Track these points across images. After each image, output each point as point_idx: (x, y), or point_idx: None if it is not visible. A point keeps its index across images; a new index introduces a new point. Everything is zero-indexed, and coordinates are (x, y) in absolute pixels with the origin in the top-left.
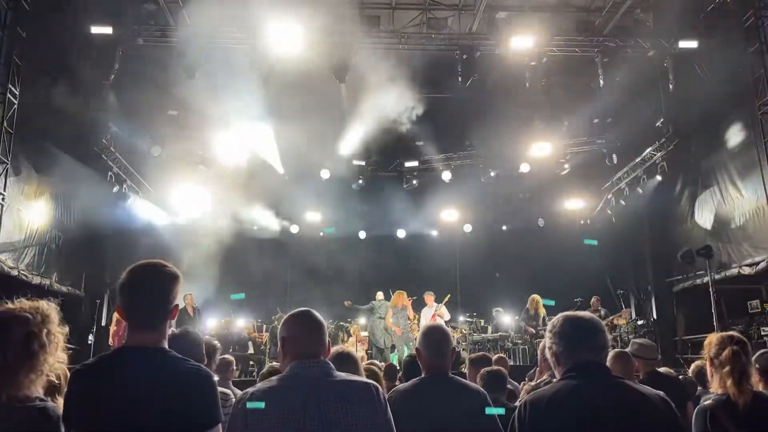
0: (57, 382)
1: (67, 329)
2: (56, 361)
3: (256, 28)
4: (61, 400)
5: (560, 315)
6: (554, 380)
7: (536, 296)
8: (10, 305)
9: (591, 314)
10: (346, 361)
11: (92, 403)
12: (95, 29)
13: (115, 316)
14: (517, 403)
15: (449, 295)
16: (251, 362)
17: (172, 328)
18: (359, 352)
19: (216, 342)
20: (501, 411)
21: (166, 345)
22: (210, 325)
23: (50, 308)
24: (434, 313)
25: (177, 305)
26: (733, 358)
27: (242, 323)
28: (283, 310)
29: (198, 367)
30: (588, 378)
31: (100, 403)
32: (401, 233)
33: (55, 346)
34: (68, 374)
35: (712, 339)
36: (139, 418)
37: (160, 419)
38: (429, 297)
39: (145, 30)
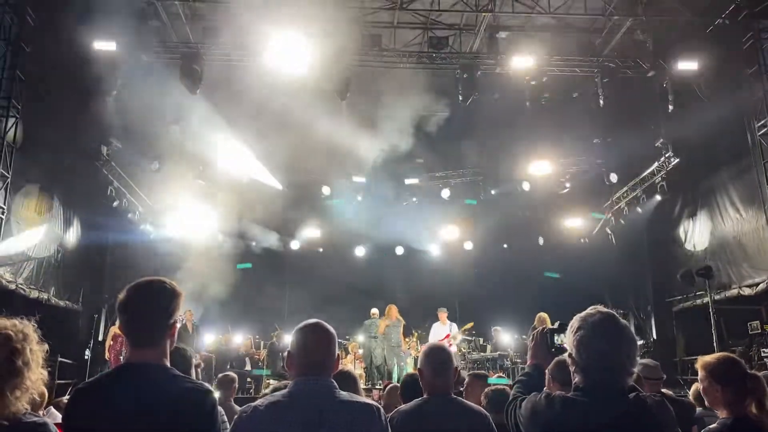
0: (38, 399)
1: (46, 346)
2: (38, 378)
3: (258, 46)
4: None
5: (588, 320)
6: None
7: (544, 314)
8: None
9: (621, 324)
10: (346, 379)
11: (92, 421)
12: (98, 45)
13: (113, 330)
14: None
15: (471, 323)
16: (249, 379)
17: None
18: (357, 370)
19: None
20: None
21: (167, 362)
22: (208, 342)
23: (27, 326)
24: (449, 333)
25: (176, 322)
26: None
27: (240, 340)
28: (281, 327)
29: (198, 384)
30: (598, 400)
31: (101, 421)
32: (400, 250)
33: (36, 363)
34: (45, 392)
35: (713, 361)
36: None
37: None
38: (442, 314)
39: (148, 46)
